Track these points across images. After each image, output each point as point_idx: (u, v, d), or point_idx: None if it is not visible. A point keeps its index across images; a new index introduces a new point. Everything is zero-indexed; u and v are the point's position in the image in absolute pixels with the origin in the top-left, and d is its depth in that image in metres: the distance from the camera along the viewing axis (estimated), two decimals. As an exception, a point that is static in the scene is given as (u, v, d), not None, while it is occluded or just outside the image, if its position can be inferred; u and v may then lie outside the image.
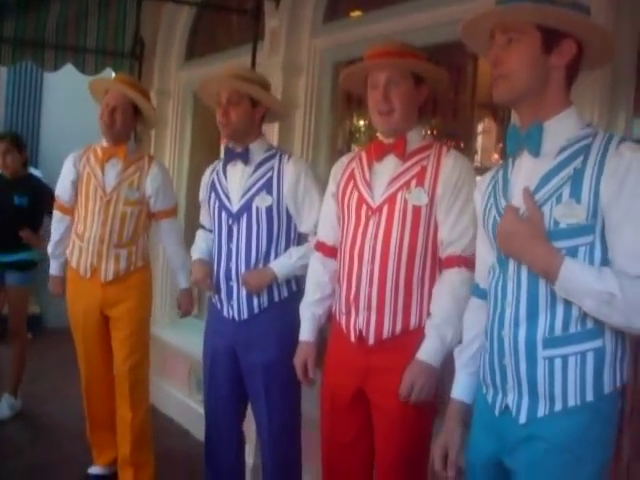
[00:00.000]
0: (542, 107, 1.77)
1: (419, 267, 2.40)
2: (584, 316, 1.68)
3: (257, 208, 2.95)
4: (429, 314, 2.39)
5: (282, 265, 2.95)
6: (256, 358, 2.97)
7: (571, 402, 1.70)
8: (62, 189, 3.76)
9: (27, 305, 5.05)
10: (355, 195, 2.49)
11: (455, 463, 1.98)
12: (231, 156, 3.06)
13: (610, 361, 1.70)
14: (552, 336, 1.71)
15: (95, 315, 3.63)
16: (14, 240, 4.69)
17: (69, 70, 5.30)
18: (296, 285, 3.04)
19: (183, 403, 4.79)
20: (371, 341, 2.43)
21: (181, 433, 4.58)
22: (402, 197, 2.39)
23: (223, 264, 3.03)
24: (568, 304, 1.68)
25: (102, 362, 3.71)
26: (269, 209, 2.95)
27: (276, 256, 2.98)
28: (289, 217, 2.99)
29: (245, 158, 3.01)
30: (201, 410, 3.27)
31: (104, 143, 3.63)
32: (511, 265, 1.79)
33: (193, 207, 3.40)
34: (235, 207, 3.00)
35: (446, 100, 4.64)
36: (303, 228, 3.00)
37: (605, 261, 1.66)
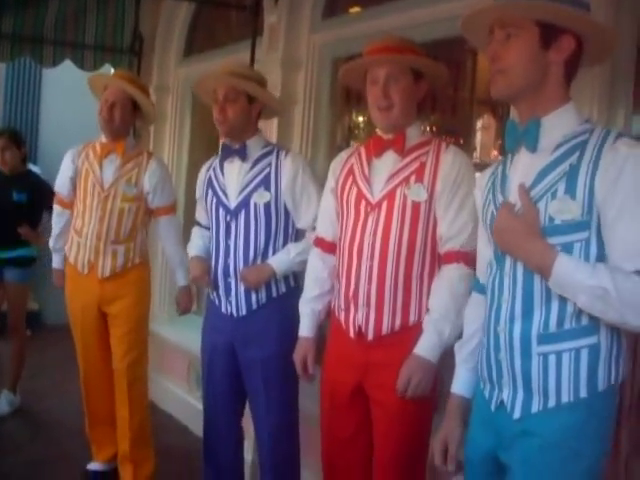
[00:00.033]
0: (540, 103, 1.76)
1: (418, 263, 2.40)
2: (579, 313, 1.67)
3: (255, 204, 2.95)
4: (428, 309, 2.39)
5: (280, 261, 2.95)
6: (255, 354, 2.97)
7: (564, 398, 1.70)
8: (61, 184, 3.78)
9: (26, 301, 5.05)
10: (354, 191, 2.49)
11: (455, 457, 1.98)
12: (228, 153, 3.05)
13: (605, 358, 1.69)
14: (546, 332, 1.71)
15: (93, 312, 3.63)
16: (13, 236, 4.69)
17: (68, 66, 5.30)
18: (294, 281, 3.04)
19: (182, 399, 4.79)
20: (370, 337, 2.43)
21: (180, 429, 4.59)
22: (401, 193, 2.39)
23: (221, 260, 3.03)
24: (563, 300, 1.68)
25: (101, 359, 3.70)
26: (267, 205, 2.95)
27: (274, 252, 2.98)
28: (287, 213, 2.99)
29: (242, 155, 3.01)
30: (200, 406, 3.28)
31: (103, 139, 3.62)
32: (508, 261, 1.79)
33: (192, 203, 3.40)
34: (233, 204, 3.00)
35: (445, 96, 4.63)
36: (301, 224, 3.00)
37: (601, 257, 1.65)
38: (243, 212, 2.97)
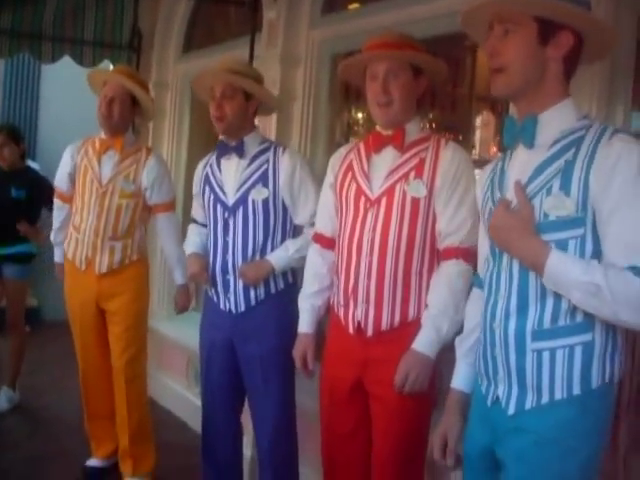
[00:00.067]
0: (539, 99, 1.76)
1: (417, 259, 2.40)
2: (573, 310, 1.67)
3: (253, 201, 2.95)
4: (426, 305, 2.39)
5: (279, 258, 2.95)
6: (254, 349, 2.98)
7: (558, 395, 1.70)
8: (59, 179, 3.79)
9: (25, 298, 5.04)
10: (353, 187, 2.49)
11: (454, 452, 1.99)
12: (225, 150, 3.05)
13: (599, 355, 1.69)
14: (541, 329, 1.71)
15: (91, 308, 3.63)
16: (12, 233, 4.68)
17: (67, 62, 5.30)
18: (292, 277, 3.05)
19: (181, 396, 4.79)
20: (370, 333, 2.43)
21: (179, 426, 4.59)
22: (401, 189, 2.39)
23: (219, 257, 3.02)
24: (558, 297, 1.68)
25: (99, 355, 3.70)
26: (265, 202, 2.95)
27: (272, 248, 2.98)
28: (285, 209, 2.99)
29: (240, 151, 3.01)
30: (199, 402, 3.28)
31: (102, 135, 3.62)
32: (504, 257, 1.80)
33: (191, 200, 3.39)
34: (231, 200, 3.00)
35: (444, 93, 4.64)
36: (299, 220, 3.01)
37: (597, 255, 1.64)
38: (241, 209, 2.97)
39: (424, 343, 2.35)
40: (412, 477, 2.50)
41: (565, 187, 1.66)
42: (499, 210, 1.77)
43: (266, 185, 2.96)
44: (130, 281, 3.62)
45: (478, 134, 5.08)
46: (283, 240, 3.00)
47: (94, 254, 3.55)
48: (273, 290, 3.00)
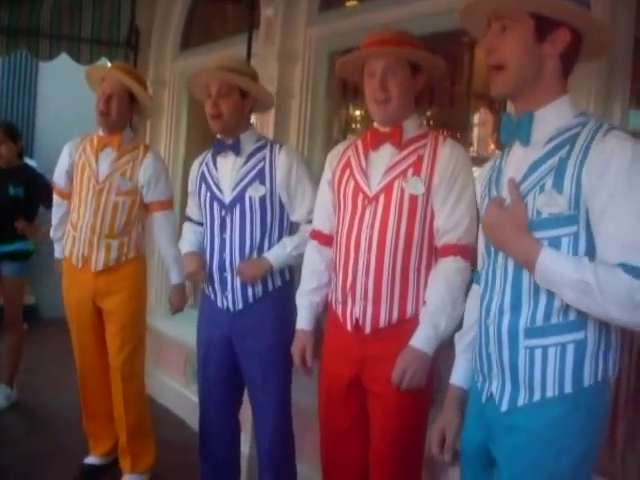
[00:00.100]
0: (536, 96, 1.75)
1: (416, 256, 2.40)
2: (566, 308, 1.67)
3: (250, 198, 2.95)
4: (424, 302, 2.40)
5: (277, 255, 2.95)
6: (252, 346, 2.98)
7: (549, 393, 1.70)
8: (58, 176, 3.79)
9: (23, 295, 5.03)
10: (351, 184, 2.49)
11: (452, 447, 1.99)
12: (221, 147, 3.05)
13: (592, 354, 1.68)
14: (533, 326, 1.71)
15: (88, 306, 3.62)
16: (9, 230, 4.67)
17: (64, 59, 5.29)
18: (289, 274, 3.06)
19: (179, 393, 4.79)
20: (368, 330, 2.44)
21: (177, 423, 4.59)
22: (399, 186, 2.39)
23: (216, 255, 3.02)
24: (551, 295, 1.67)
25: (97, 353, 3.69)
26: (262, 199, 2.95)
27: (270, 246, 2.98)
28: (282, 206, 2.99)
29: (236, 149, 3.01)
30: (197, 400, 3.28)
31: (100, 132, 3.61)
32: (500, 255, 1.80)
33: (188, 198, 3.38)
34: (227, 198, 3.00)
35: (442, 90, 4.63)
36: (295, 217, 3.01)
37: (590, 253, 1.64)
38: (238, 206, 2.97)
39: (422, 340, 2.35)
40: (410, 474, 2.50)
41: (558, 185, 1.66)
42: (492, 208, 1.78)
43: (263, 183, 2.96)
44: (127, 279, 3.61)
45: (476, 131, 5.08)
46: (280, 237, 3.00)
47: (90, 251, 3.54)
48: (271, 288, 3.00)
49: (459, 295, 2.33)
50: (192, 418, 3.88)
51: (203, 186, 3.09)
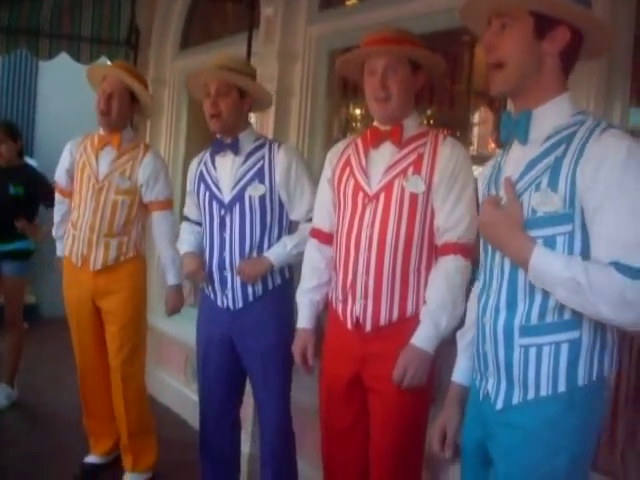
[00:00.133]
0: (536, 94, 1.75)
1: (416, 255, 2.40)
2: (561, 307, 1.66)
3: (250, 197, 2.95)
4: (425, 301, 2.40)
5: (278, 254, 2.95)
6: (253, 344, 2.98)
7: (543, 392, 1.70)
8: (59, 175, 3.79)
9: (23, 295, 5.03)
10: (351, 182, 2.49)
11: (452, 444, 2.00)
12: (220, 147, 3.05)
13: (586, 353, 1.68)
14: (528, 325, 1.71)
15: (88, 305, 3.62)
16: (10, 230, 4.67)
17: (64, 58, 5.29)
18: (289, 273, 3.06)
19: (179, 392, 4.79)
20: (368, 328, 2.44)
21: (178, 422, 4.60)
22: (399, 185, 2.39)
23: (216, 254, 3.02)
24: (546, 294, 1.67)
25: (97, 352, 3.69)
26: (262, 198, 2.95)
27: (269, 244, 2.98)
28: (281, 205, 2.99)
29: (235, 148, 3.00)
30: (197, 399, 3.28)
31: (101, 131, 3.61)
32: (497, 253, 1.80)
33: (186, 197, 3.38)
34: (227, 197, 3.00)
35: (442, 89, 4.63)
36: (294, 216, 3.02)
37: (586, 252, 1.63)
38: (238, 205, 2.97)
39: (423, 338, 2.35)
40: (410, 471, 2.50)
41: (553, 183, 1.66)
42: (487, 206, 1.78)
43: (262, 181, 2.96)
44: (126, 279, 3.60)
45: (476, 130, 5.08)
46: (280, 236, 3.00)
47: (89, 250, 3.54)
48: (270, 286, 3.00)
49: (459, 294, 2.33)
50: (192, 417, 3.89)
51: (202, 186, 3.09)
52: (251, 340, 2.98)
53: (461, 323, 2.17)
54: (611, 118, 2.38)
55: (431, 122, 4.63)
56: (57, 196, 3.86)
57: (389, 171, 2.42)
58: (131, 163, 3.55)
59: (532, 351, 1.71)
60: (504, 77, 1.75)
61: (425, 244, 2.41)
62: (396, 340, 2.38)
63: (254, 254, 2.96)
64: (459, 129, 4.74)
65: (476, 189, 2.18)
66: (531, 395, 1.71)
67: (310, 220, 2.83)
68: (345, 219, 2.49)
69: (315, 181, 2.86)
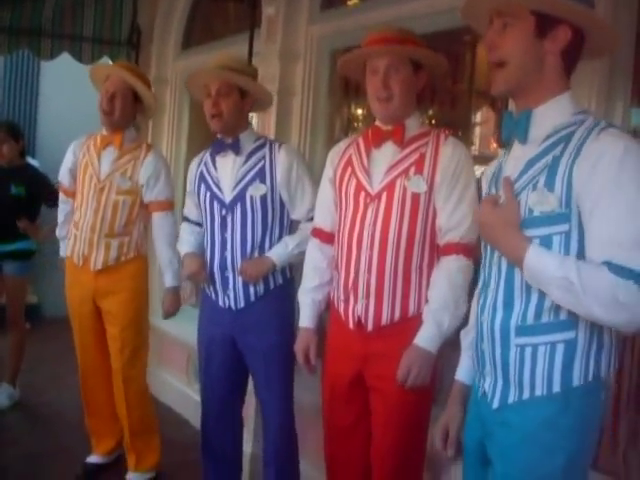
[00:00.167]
0: (537, 94, 1.75)
1: (418, 254, 2.41)
2: (557, 307, 1.66)
3: (251, 197, 2.95)
4: (427, 300, 2.40)
5: (279, 254, 2.95)
6: (255, 343, 2.99)
7: (538, 392, 1.70)
8: (62, 175, 3.79)
9: (25, 294, 5.04)
10: (353, 182, 2.49)
11: (454, 442, 2.00)
12: (221, 147, 3.05)
13: (582, 354, 1.67)
14: (524, 324, 1.71)
15: (89, 305, 3.62)
16: (11, 230, 4.68)
17: (66, 58, 5.30)
18: (290, 272, 3.06)
19: (181, 392, 4.80)
20: (370, 328, 2.44)
21: (180, 422, 4.60)
22: (401, 184, 2.39)
23: (218, 254, 3.02)
24: (542, 294, 1.67)
25: (98, 353, 3.70)
26: (263, 198, 2.95)
27: (271, 244, 2.98)
28: (282, 205, 3.00)
29: (236, 148, 3.00)
30: (199, 399, 3.28)
31: (104, 131, 3.61)
32: (495, 252, 1.80)
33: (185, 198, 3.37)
34: (228, 197, 2.99)
35: (444, 89, 4.63)
36: (295, 215, 3.02)
37: (583, 252, 1.62)
38: (239, 205, 2.97)
39: (425, 338, 2.35)
40: (411, 471, 2.51)
41: (549, 183, 1.65)
42: (484, 206, 1.78)
43: (264, 181, 2.96)
44: (127, 279, 3.59)
45: (478, 130, 5.07)
46: (281, 236, 3.00)
47: (90, 250, 3.53)
48: (272, 285, 3.01)
49: (462, 293, 2.33)
50: (194, 417, 3.89)
51: (202, 186, 3.09)
52: (252, 338, 2.99)
53: (464, 322, 2.17)
54: (612, 118, 2.37)
55: (433, 122, 4.62)
56: (61, 196, 3.86)
57: (391, 171, 2.42)
58: (132, 163, 3.55)
59: (528, 351, 1.71)
60: (505, 76, 1.75)
61: (427, 243, 2.41)
62: (398, 339, 2.38)
63: (255, 254, 2.97)
64: (461, 129, 4.73)
65: (479, 188, 2.18)
66: (526, 395, 1.71)
67: (311, 219, 2.84)
68: (347, 218, 2.49)
69: (316, 181, 2.86)
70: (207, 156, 3.14)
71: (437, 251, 2.43)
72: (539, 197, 1.66)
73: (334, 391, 2.58)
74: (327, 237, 2.66)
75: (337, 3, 3.92)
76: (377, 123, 2.51)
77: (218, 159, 3.06)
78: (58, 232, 3.89)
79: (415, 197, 2.38)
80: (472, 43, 4.37)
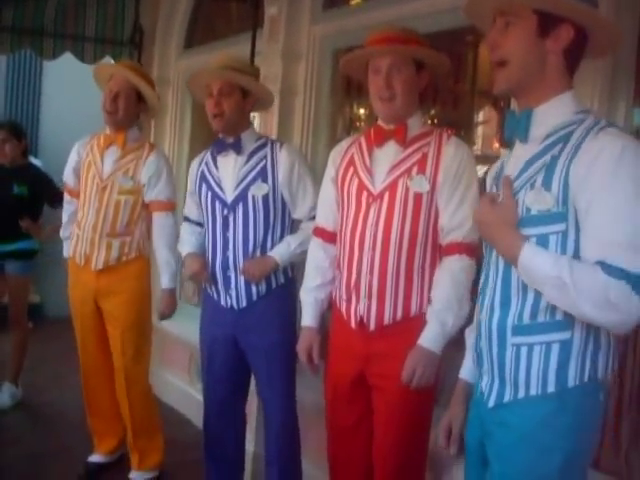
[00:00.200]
0: (539, 93, 1.74)
1: (420, 254, 2.40)
2: (553, 307, 1.66)
3: (253, 197, 2.95)
4: (430, 300, 2.40)
5: (282, 253, 2.96)
6: (257, 342, 2.99)
7: (532, 391, 1.69)
8: (66, 175, 3.79)
9: (27, 294, 5.04)
10: (355, 181, 2.49)
11: (457, 440, 2.00)
12: (222, 147, 3.05)
13: (578, 354, 1.66)
14: (520, 324, 1.71)
15: (90, 305, 3.62)
16: (14, 229, 4.68)
17: (69, 58, 5.30)
18: (292, 272, 3.07)
19: (184, 392, 4.80)
20: (372, 327, 2.44)
21: (182, 421, 4.60)
22: (403, 184, 2.39)
23: (220, 254, 3.02)
24: (538, 293, 1.66)
25: (100, 353, 3.70)
26: (265, 197, 2.95)
27: (272, 243, 2.98)
28: (284, 204, 3.00)
29: (238, 148, 3.01)
30: (202, 398, 3.28)
31: (107, 130, 3.61)
32: (494, 252, 1.80)
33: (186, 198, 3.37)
34: (230, 197, 3.00)
35: (446, 88, 4.62)
36: (297, 214, 3.03)
37: (579, 251, 1.61)
38: (241, 205, 2.97)
39: (429, 338, 2.35)
40: (413, 471, 2.51)
41: (547, 182, 1.65)
42: (482, 204, 1.78)
43: (265, 181, 2.96)
44: (128, 280, 3.58)
45: (480, 130, 5.07)
46: (282, 235, 3.01)
47: (92, 250, 3.53)
48: (274, 285, 3.01)
49: (465, 293, 2.33)
50: (196, 416, 3.89)
51: (204, 185, 3.09)
52: (254, 337, 2.99)
53: (468, 321, 2.17)
54: (615, 118, 2.37)
55: (435, 121, 4.62)
56: (65, 196, 3.86)
57: (393, 170, 2.42)
58: (135, 162, 3.54)
59: (523, 350, 1.71)
60: (507, 75, 1.75)
61: (429, 243, 2.41)
62: (400, 339, 2.38)
63: (257, 253, 2.97)
64: (463, 128, 4.72)
65: (481, 188, 2.18)
66: (521, 394, 1.71)
67: (313, 218, 2.84)
68: (349, 218, 2.49)
69: (318, 180, 2.87)
70: (208, 156, 3.14)
71: (439, 251, 2.42)
72: (536, 196, 1.67)
73: (336, 391, 2.58)
74: (329, 236, 2.66)
75: (339, 3, 3.92)
76: (379, 122, 2.51)
77: (219, 159, 3.06)
78: (62, 232, 3.89)
79: (417, 197, 2.38)
80: (474, 43, 4.37)
